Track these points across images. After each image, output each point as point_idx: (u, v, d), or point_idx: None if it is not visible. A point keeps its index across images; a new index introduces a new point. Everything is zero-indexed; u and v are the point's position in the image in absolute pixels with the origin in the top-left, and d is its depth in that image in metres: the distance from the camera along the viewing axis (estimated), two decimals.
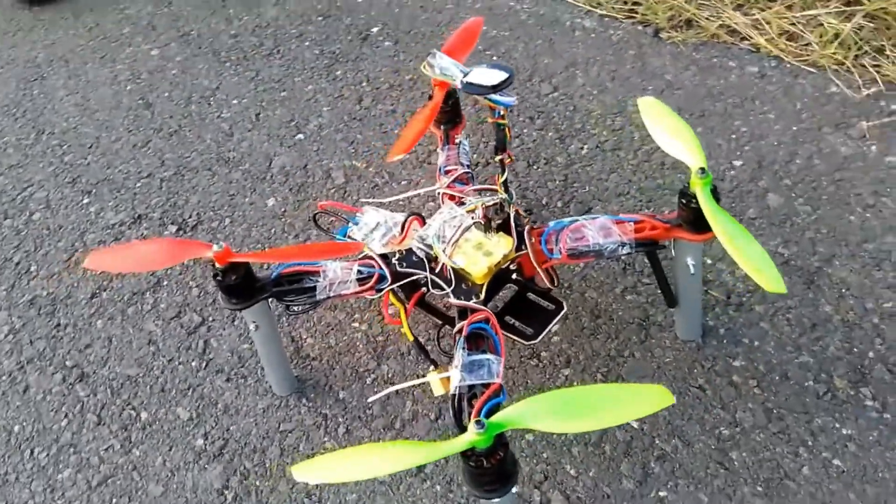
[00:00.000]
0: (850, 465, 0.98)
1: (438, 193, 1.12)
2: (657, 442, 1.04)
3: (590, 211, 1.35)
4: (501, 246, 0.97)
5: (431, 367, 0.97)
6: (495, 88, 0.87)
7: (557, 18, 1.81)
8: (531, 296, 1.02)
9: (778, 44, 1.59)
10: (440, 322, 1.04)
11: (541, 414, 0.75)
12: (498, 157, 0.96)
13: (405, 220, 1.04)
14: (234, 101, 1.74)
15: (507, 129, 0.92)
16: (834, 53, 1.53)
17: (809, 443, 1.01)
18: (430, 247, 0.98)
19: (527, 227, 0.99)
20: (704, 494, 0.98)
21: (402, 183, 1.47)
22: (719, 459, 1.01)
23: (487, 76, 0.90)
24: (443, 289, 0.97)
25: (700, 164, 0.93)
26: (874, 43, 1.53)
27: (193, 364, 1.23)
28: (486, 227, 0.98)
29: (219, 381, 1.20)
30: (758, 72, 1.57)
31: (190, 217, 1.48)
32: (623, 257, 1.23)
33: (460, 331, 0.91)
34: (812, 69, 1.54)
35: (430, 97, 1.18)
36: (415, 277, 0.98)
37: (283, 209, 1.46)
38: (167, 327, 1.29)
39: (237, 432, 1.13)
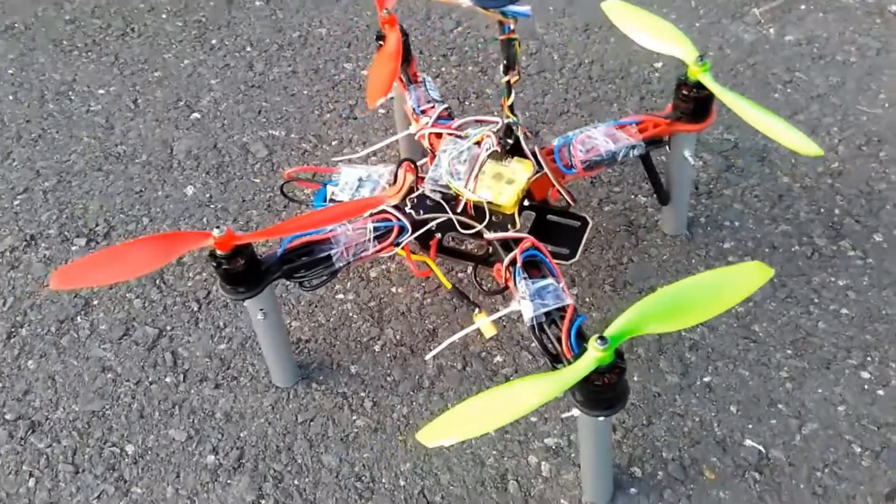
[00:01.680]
0: (856, 311, 1.06)
1: (420, 136, 1.04)
2: (684, 334, 1.06)
3: (538, 135, 1.34)
4: (522, 170, 0.92)
5: (476, 311, 0.92)
6: None
7: None
8: (552, 217, 0.99)
9: None
10: (471, 263, 0.98)
11: (652, 317, 0.73)
12: (505, 79, 0.91)
13: (397, 169, 0.97)
14: (101, 91, 1.52)
15: (517, 45, 0.87)
16: None
17: (816, 300, 1.08)
18: (447, 187, 0.92)
19: (536, 148, 0.96)
20: (744, 369, 1.02)
21: (333, 143, 1.37)
22: (745, 335, 1.05)
23: None
24: (472, 227, 0.91)
25: (695, 53, 0.94)
26: None
27: (168, 380, 1.08)
28: (500, 154, 0.93)
29: (207, 390, 1.06)
30: None
31: (97, 225, 1.28)
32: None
33: (513, 262, 0.86)
34: None
35: (381, 38, 1.10)
36: (439, 220, 0.92)
37: (207, 195, 1.31)
38: (119, 349, 1.12)
39: (251, 437, 1.01)
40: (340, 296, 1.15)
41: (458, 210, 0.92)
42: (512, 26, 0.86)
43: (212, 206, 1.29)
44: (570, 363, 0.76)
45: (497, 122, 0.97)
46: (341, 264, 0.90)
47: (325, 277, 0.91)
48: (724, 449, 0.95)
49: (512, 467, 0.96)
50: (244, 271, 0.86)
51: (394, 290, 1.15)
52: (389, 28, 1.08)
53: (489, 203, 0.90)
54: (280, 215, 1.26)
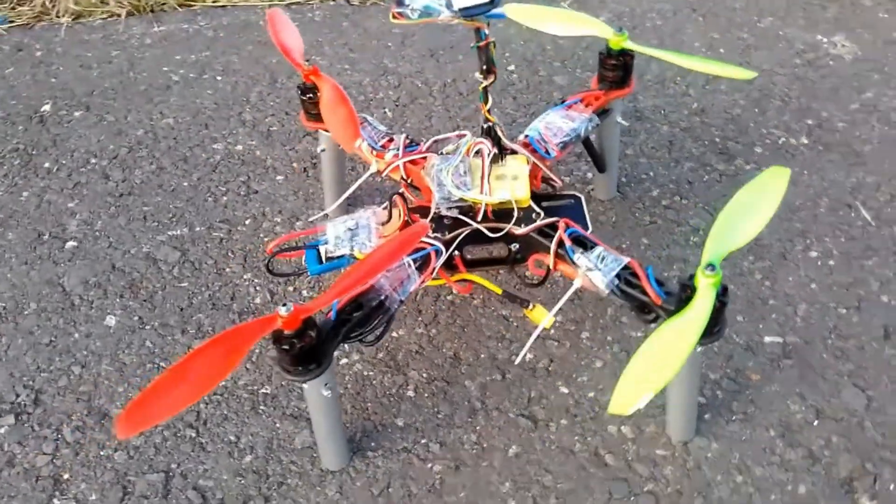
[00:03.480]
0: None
1: (393, 169, 1.02)
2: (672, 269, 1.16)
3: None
4: (520, 165, 0.96)
5: (531, 306, 0.93)
6: (492, 3, 0.85)
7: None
8: (547, 202, 1.03)
9: None
10: (502, 266, 0.99)
11: (723, 238, 0.81)
12: (483, 84, 0.94)
13: (390, 203, 0.96)
14: None
15: (493, 47, 0.91)
16: None
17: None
18: (461, 200, 0.93)
19: (516, 145, 1.00)
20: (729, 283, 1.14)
21: (247, 222, 1.28)
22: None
23: None
24: (501, 229, 0.93)
25: (611, 28, 1.05)
26: None
27: None
28: (496, 157, 0.96)
29: None
30: None
31: (18, 396, 1.07)
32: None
33: (561, 244, 0.89)
34: None
35: (305, 91, 1.08)
36: (466, 232, 0.92)
37: (135, 318, 1.16)
38: None
39: None
40: (345, 360, 1.09)
41: (479, 219, 0.93)
42: (487, 31, 0.90)
43: (148, 326, 1.15)
44: (662, 308, 0.82)
45: (466, 135, 0.99)
46: (395, 307, 0.87)
47: (384, 325, 0.87)
48: (754, 352, 1.06)
49: (599, 443, 0.98)
50: (314, 345, 0.80)
51: (395, 335, 1.11)
52: (317, 78, 1.07)
53: (507, 202, 0.93)
54: (231, 308, 1.16)
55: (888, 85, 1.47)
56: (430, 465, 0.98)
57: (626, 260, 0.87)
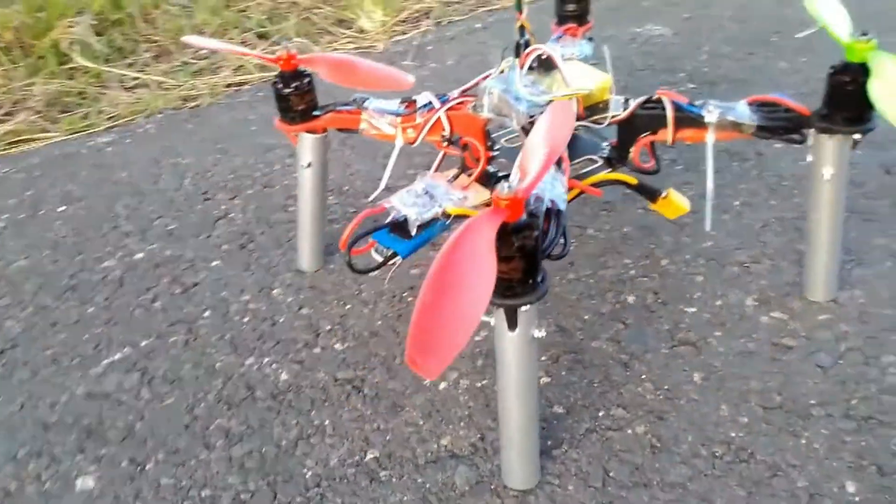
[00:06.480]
0: None
1: (434, 124, 0.87)
2: None
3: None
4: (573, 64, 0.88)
5: (664, 194, 0.81)
6: None
7: None
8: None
9: None
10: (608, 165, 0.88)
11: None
12: None
13: (464, 149, 0.81)
14: None
15: None
16: None
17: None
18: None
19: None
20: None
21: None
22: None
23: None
24: (601, 121, 0.83)
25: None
26: None
27: None
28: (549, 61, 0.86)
29: None
30: None
31: None
32: None
33: (678, 108, 0.81)
34: None
35: (288, 81, 0.88)
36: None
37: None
38: None
39: None
40: (443, 384, 0.84)
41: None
42: None
43: (149, 464, 0.78)
44: (815, 117, 0.78)
45: (492, 72, 0.89)
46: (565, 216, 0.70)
47: (564, 235, 0.68)
48: None
49: (769, 334, 0.86)
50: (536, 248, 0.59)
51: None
52: (300, 61, 0.89)
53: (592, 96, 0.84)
54: (256, 395, 0.85)
55: None
56: (630, 431, 0.77)
57: (744, 100, 0.81)
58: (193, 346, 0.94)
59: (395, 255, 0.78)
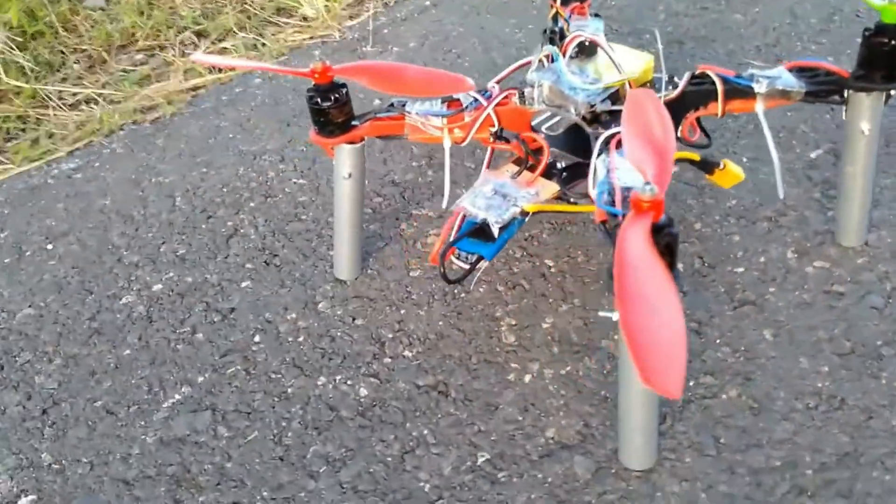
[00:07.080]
0: None
1: (485, 120, 0.86)
2: None
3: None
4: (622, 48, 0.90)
5: (721, 166, 0.84)
6: None
7: None
8: None
9: None
10: None
11: None
12: None
13: (525, 146, 0.81)
14: None
15: None
16: None
17: None
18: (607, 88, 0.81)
19: None
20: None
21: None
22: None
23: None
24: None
25: None
26: None
27: None
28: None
29: None
30: None
31: None
32: None
33: (725, 80, 0.83)
34: None
35: (325, 94, 0.85)
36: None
37: None
38: None
39: None
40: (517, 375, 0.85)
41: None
42: None
43: (258, 500, 0.76)
44: (854, 78, 0.82)
45: (531, 60, 0.89)
46: None
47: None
48: None
49: (843, 331, 0.92)
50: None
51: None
52: (336, 73, 0.85)
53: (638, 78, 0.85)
54: (342, 416, 0.83)
55: None
56: (724, 396, 0.81)
57: (782, 66, 0.85)
58: (255, 374, 0.91)
59: (480, 258, 0.79)
